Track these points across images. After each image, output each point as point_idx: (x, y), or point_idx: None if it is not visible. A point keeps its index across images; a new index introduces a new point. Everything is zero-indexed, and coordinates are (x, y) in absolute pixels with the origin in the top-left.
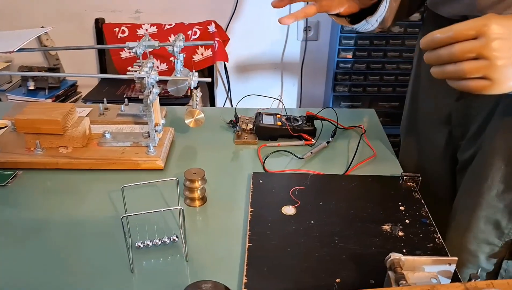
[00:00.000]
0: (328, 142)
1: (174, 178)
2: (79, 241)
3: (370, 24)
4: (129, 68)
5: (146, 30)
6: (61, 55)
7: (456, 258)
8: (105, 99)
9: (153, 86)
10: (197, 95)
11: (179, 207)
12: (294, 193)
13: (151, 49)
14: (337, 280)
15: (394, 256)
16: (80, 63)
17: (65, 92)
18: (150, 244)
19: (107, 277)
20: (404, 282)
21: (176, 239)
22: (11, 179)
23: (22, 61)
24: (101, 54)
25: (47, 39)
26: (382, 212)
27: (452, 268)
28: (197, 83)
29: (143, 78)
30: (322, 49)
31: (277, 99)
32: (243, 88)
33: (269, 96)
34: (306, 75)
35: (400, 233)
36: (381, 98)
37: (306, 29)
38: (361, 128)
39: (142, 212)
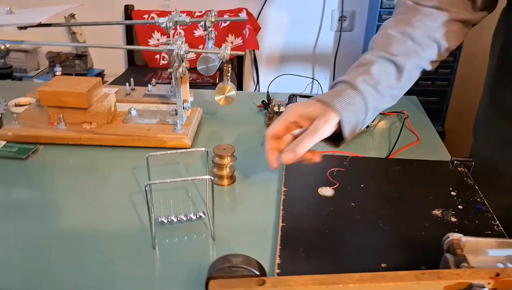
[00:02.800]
0: (367, 127)
1: (203, 149)
2: (99, 218)
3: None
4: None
5: None
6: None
7: None
8: (131, 79)
9: (182, 60)
10: (229, 69)
11: (207, 177)
12: (332, 174)
13: (181, 25)
14: (383, 265)
15: (453, 236)
16: (108, 52)
17: None
18: (175, 220)
19: (127, 253)
20: (466, 265)
21: (203, 216)
22: (31, 153)
23: (51, 47)
24: (130, 43)
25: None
26: (431, 197)
27: None
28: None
29: (172, 50)
30: (356, 40)
31: (313, 79)
32: (272, 79)
33: (304, 76)
34: (339, 68)
35: (453, 219)
36: (419, 92)
37: (341, 19)
38: (403, 113)
39: (168, 180)
